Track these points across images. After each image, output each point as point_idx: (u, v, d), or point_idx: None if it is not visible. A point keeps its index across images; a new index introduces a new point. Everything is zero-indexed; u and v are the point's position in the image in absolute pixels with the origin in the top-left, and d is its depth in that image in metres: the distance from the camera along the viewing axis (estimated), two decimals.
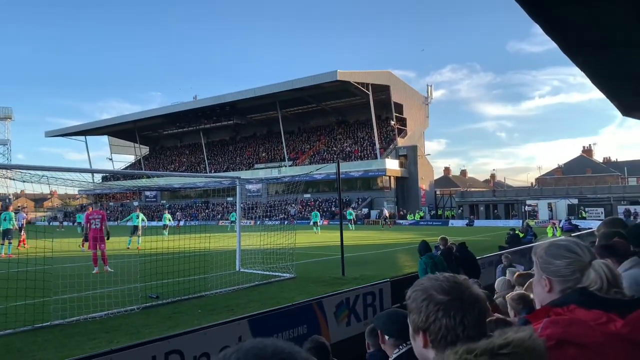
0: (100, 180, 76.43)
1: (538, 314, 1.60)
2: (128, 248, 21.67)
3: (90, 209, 15.66)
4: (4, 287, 8.31)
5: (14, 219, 19.65)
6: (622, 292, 1.61)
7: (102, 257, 14.59)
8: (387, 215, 45.56)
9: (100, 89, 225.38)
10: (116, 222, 66.00)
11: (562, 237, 2.05)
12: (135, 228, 22.47)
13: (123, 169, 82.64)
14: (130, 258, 14.49)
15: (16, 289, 8.30)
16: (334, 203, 55.25)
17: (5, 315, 8.08)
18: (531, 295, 4.26)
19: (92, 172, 24.49)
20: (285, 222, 27.11)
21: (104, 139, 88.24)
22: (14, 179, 11.22)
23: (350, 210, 44.08)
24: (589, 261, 1.65)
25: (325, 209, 56.13)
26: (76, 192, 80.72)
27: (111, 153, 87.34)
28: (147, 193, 76.92)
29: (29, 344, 7.17)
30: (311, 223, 36.48)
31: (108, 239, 15.09)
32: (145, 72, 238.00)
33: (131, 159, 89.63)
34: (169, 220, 28.86)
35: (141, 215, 23.04)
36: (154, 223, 43.12)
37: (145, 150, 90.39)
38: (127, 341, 6.76)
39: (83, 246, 19.79)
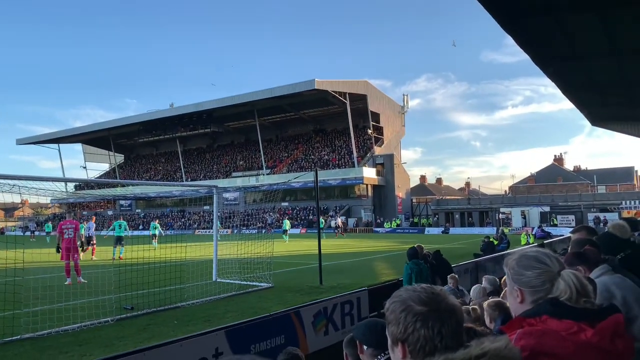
0: (74, 189, 74.92)
1: (512, 325, 1.63)
2: (113, 259, 20.47)
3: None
4: None
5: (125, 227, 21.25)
6: (591, 302, 1.65)
7: (75, 267, 14.22)
8: (340, 224, 45.54)
9: (73, 95, 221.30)
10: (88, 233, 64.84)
11: (532, 247, 2.08)
12: (119, 238, 21.18)
13: (97, 177, 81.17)
14: (104, 269, 14.19)
15: None
16: (311, 211, 55.22)
17: None
18: (507, 303, 4.34)
19: (65, 181, 23.94)
20: (263, 231, 26.97)
21: (78, 146, 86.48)
22: None
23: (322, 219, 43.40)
24: (557, 271, 1.69)
25: (302, 217, 56.05)
26: (48, 202, 78.81)
27: (85, 161, 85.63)
28: (122, 202, 75.57)
29: None
30: (281, 231, 36.15)
31: (83, 250, 14.75)
32: (121, 79, 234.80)
33: (106, 167, 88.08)
34: (157, 229, 28.14)
35: (124, 224, 22.21)
36: (136, 232, 42.32)
37: (120, 158, 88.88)
38: (101, 354, 6.61)
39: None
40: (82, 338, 8.06)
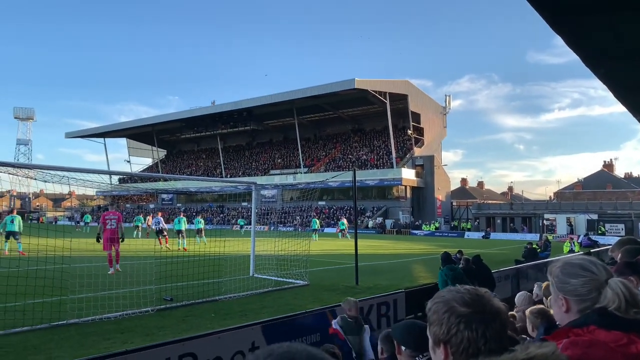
0: (118, 182, 77.58)
1: (557, 335, 1.58)
2: (179, 249, 20.85)
3: (114, 210, 15.88)
4: (23, 285, 8.44)
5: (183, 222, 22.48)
6: (633, 312, 1.57)
7: (116, 256, 14.66)
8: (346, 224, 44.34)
9: (118, 92, 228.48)
10: (131, 224, 66.99)
11: (578, 255, 1.99)
12: (179, 231, 22.60)
13: (140, 171, 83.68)
14: (145, 260, 14.60)
15: (35, 287, 8.45)
16: (348, 211, 55.14)
17: (23, 312, 8.22)
18: (551, 311, 4.22)
19: (110, 173, 24.80)
20: (299, 229, 27.13)
21: (123, 141, 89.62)
22: (35, 179, 11.42)
23: (343, 220, 42.04)
24: (605, 279, 1.62)
25: (339, 217, 55.98)
26: (94, 193, 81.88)
27: (129, 155, 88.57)
28: (164, 196, 77.60)
29: (46, 342, 7.27)
30: (310, 230, 35.82)
31: (122, 240, 15.19)
32: (163, 76, 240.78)
33: (149, 161, 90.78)
34: (201, 224, 29.02)
35: (183, 220, 23.50)
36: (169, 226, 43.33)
37: (162, 153, 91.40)
38: (141, 342, 6.81)
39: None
40: (124, 326, 8.33)
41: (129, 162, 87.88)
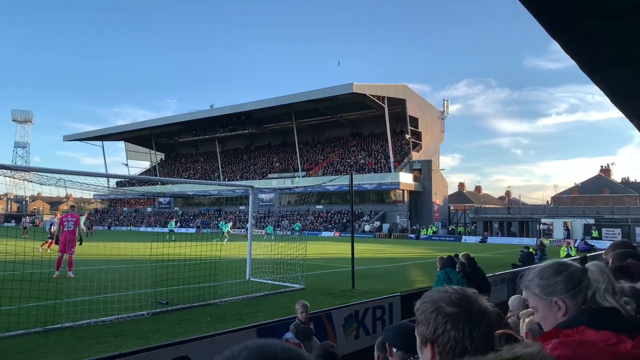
0: (115, 186, 77.46)
1: (547, 336, 1.57)
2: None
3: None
4: (17, 288, 8.41)
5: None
6: (623, 300, 1.59)
7: (69, 261, 13.93)
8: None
9: (116, 95, 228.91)
10: (129, 228, 67.00)
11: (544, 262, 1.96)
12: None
13: (138, 174, 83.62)
14: (141, 263, 14.57)
15: (29, 290, 8.41)
16: (346, 215, 55.13)
17: (18, 315, 8.18)
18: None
19: (107, 176, 24.80)
20: (297, 233, 27.13)
21: (120, 144, 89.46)
22: (32, 181, 11.40)
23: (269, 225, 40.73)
24: (582, 268, 1.64)
25: (337, 221, 56.05)
26: (91, 197, 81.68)
27: (127, 159, 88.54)
28: (161, 199, 77.56)
29: (40, 345, 7.23)
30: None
31: (81, 244, 14.97)
32: (161, 79, 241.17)
33: (146, 165, 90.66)
34: (228, 229, 29.42)
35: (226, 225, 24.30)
36: (164, 229, 43.35)
37: (160, 156, 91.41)
38: (136, 346, 6.78)
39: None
40: (118, 329, 8.30)
41: (126, 165, 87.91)
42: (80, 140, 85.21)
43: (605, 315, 1.54)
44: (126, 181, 77.68)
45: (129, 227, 68.02)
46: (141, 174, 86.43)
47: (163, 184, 67.96)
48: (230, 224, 26.94)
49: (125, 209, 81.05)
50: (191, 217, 69.15)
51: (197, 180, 69.11)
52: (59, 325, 8.19)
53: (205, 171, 79.04)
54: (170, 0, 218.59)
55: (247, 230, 20.14)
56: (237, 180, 67.09)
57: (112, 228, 65.62)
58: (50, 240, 21.62)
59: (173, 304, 10.30)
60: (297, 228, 35.90)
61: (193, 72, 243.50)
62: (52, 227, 22.44)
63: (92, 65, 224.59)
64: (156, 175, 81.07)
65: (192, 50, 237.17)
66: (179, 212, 74.18)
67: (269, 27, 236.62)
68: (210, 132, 75.41)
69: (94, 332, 8.10)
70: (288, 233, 28.39)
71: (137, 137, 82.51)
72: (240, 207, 59.70)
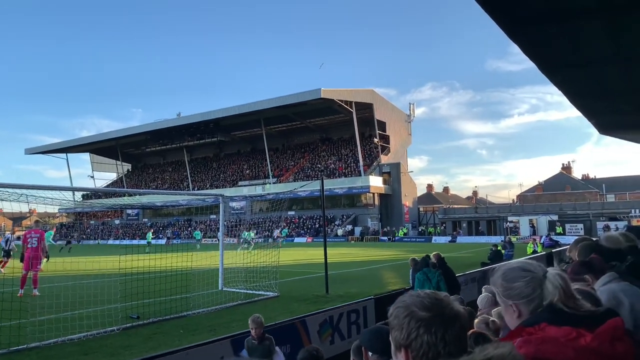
0: (81, 199, 75.39)
1: (512, 335, 1.62)
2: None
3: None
4: None
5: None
6: (579, 301, 1.64)
7: (34, 278, 13.39)
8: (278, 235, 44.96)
9: (79, 105, 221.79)
10: (97, 241, 65.35)
11: (514, 260, 2.04)
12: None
13: (105, 186, 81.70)
14: (110, 278, 14.21)
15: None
16: (318, 220, 55.16)
17: None
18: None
19: (73, 190, 24.12)
20: (270, 240, 27.05)
21: (85, 156, 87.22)
22: None
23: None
24: (543, 275, 1.67)
25: (309, 226, 56.04)
26: (56, 211, 79.29)
27: (92, 171, 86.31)
28: (129, 211, 75.88)
29: None
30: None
31: (47, 260, 14.50)
32: (125, 88, 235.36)
33: (113, 176, 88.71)
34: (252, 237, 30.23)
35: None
36: (135, 242, 42.56)
37: (127, 167, 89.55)
38: None
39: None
40: (87, 347, 8.06)
41: (92, 177, 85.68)
42: (43, 153, 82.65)
43: (565, 311, 1.59)
44: (92, 194, 75.77)
45: (97, 241, 66.35)
46: (108, 185, 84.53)
47: (130, 195, 66.60)
48: (253, 232, 27.65)
49: (92, 222, 79.02)
50: (161, 228, 67.93)
51: (165, 191, 67.93)
52: (24, 346, 7.90)
53: (174, 181, 77.85)
54: (131, 8, 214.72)
55: (219, 239, 19.99)
56: (207, 189, 66.32)
57: (80, 242, 63.74)
58: (4, 260, 20.66)
59: (144, 318, 10.08)
60: (284, 234, 36.25)
61: (157, 81, 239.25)
62: (9, 243, 21.42)
63: (54, 76, 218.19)
64: (123, 187, 79.30)
65: (156, 58, 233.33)
66: (148, 223, 72.76)
67: (233, 33, 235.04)
68: (178, 141, 74.34)
69: (62, 351, 7.84)
70: (261, 240, 28.48)
71: (102, 148, 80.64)
72: (211, 216, 58.95)
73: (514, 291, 1.69)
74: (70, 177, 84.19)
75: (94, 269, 17.58)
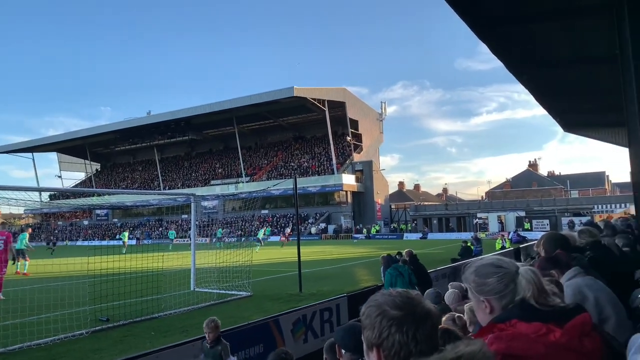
0: (49, 199, 73.32)
1: (483, 331, 1.64)
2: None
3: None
4: None
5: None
6: (554, 299, 1.68)
7: None
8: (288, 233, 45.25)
9: (46, 104, 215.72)
10: (64, 242, 63.59)
11: (485, 256, 2.07)
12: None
13: (73, 186, 79.65)
14: (78, 280, 13.87)
15: None
16: (291, 219, 55.08)
17: None
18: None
19: (40, 190, 23.51)
20: (243, 239, 26.84)
21: (53, 155, 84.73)
22: None
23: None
24: (516, 271, 1.69)
25: (283, 225, 55.89)
26: (22, 212, 76.84)
27: (60, 170, 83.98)
28: (98, 211, 74.19)
29: None
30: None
31: (14, 263, 14.09)
32: (93, 86, 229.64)
33: (81, 176, 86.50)
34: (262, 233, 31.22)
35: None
36: (106, 242, 41.57)
37: (96, 167, 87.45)
38: None
39: None
40: (55, 352, 7.86)
41: (60, 177, 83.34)
42: (8, 152, 79.91)
43: (535, 307, 1.62)
44: (60, 194, 73.77)
45: (65, 242, 64.66)
46: (76, 185, 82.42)
47: (100, 195, 65.12)
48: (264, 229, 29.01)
49: (60, 222, 76.94)
50: (131, 229, 66.66)
51: (135, 190, 66.67)
52: None
53: (145, 180, 76.42)
54: (99, 6, 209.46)
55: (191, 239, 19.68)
56: (178, 188, 65.40)
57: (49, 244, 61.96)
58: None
59: (114, 321, 9.89)
60: (268, 233, 36.53)
61: (126, 79, 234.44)
62: None
63: (19, 74, 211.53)
64: (92, 187, 77.43)
65: (125, 56, 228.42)
66: (118, 223, 71.32)
67: (204, 32, 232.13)
68: (148, 140, 72.96)
69: (28, 356, 7.63)
70: (233, 239, 28.23)
71: (70, 147, 78.46)
72: (183, 216, 58.19)
73: (486, 287, 1.70)
74: (37, 177, 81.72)
75: (61, 271, 17.12)
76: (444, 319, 4.56)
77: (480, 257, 16.40)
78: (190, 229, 16.45)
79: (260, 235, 33.46)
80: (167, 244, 36.05)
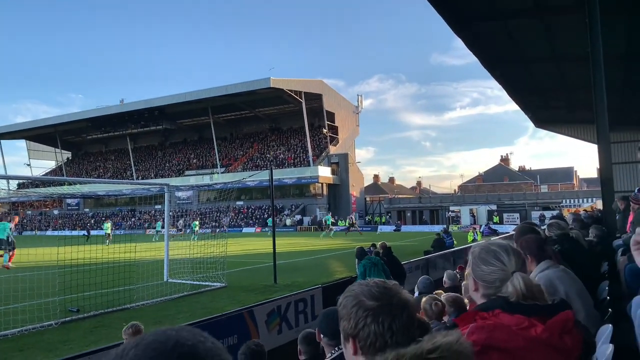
0: (16, 188, 71.27)
1: (465, 318, 1.66)
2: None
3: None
4: None
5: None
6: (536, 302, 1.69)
7: None
8: (354, 222, 45.83)
9: (13, 90, 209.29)
10: (33, 232, 62.03)
11: (498, 239, 2.10)
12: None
13: (42, 175, 77.53)
14: (47, 270, 13.56)
15: None
16: (266, 210, 54.90)
17: None
18: (465, 300, 4.48)
19: (7, 178, 22.74)
20: (218, 231, 26.62)
21: (21, 143, 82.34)
22: None
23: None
24: (512, 272, 1.71)
25: (258, 216, 55.67)
26: None
27: (29, 158, 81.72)
28: (69, 201, 72.54)
29: None
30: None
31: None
32: (63, 73, 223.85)
33: (52, 164, 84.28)
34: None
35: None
36: (75, 232, 40.59)
37: (67, 155, 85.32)
38: (43, 359, 6.33)
39: None
40: (23, 343, 7.69)
41: (29, 165, 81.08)
42: None
43: (520, 302, 1.64)
44: (29, 182, 71.79)
45: (34, 231, 63.08)
46: (46, 174, 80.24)
47: (70, 184, 63.63)
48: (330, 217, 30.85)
49: (29, 212, 74.93)
50: (103, 219, 65.38)
51: (107, 180, 65.43)
52: None
53: (117, 169, 74.98)
54: None
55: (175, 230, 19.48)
56: (151, 178, 64.41)
57: (16, 233, 60.42)
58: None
59: (85, 311, 9.73)
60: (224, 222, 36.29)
61: (99, 66, 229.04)
62: None
63: None
64: (63, 175, 75.53)
65: (98, 43, 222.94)
66: (90, 213, 69.89)
67: (181, 21, 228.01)
68: (121, 129, 71.43)
69: None
70: (208, 231, 27.95)
71: (40, 135, 76.28)
72: (156, 207, 57.36)
73: (479, 271, 1.77)
74: (5, 164, 79.21)
75: (30, 261, 16.71)
76: (423, 300, 4.63)
77: (500, 236, 16.50)
78: (163, 219, 16.22)
79: (196, 227, 31.95)
80: (142, 234, 35.43)
